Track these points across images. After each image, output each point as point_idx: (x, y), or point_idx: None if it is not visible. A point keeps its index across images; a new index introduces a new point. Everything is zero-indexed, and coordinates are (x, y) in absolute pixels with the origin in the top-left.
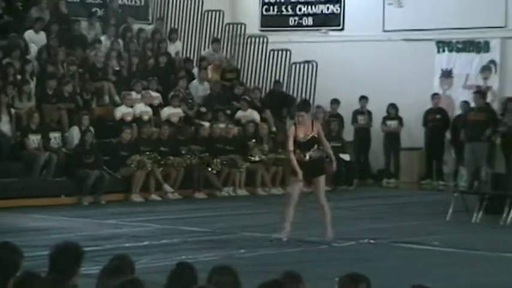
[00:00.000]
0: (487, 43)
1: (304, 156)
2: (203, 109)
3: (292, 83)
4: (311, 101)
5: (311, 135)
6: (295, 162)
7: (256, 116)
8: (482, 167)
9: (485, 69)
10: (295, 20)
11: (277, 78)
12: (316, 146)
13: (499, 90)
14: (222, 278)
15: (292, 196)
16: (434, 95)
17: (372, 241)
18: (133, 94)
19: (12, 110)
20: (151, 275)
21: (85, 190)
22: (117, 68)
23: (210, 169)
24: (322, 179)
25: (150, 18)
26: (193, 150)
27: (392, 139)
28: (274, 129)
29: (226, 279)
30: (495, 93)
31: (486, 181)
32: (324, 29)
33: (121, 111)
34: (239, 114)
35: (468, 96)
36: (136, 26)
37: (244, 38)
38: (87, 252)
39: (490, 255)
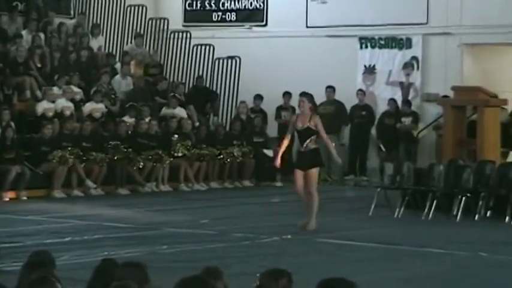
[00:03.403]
0: (409, 40)
1: (302, 146)
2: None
3: (215, 79)
4: (234, 97)
5: (306, 125)
6: (282, 149)
7: (183, 113)
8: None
9: (408, 66)
10: (218, 16)
11: (200, 73)
12: (313, 137)
13: (421, 86)
14: (131, 274)
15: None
16: (359, 91)
17: (295, 237)
18: (55, 89)
19: None
20: (73, 271)
21: (5, 186)
22: (38, 65)
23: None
24: (315, 170)
25: (72, 12)
26: (118, 149)
27: None
28: (197, 124)
29: (136, 274)
30: (417, 89)
31: (408, 176)
32: (247, 24)
33: (42, 106)
34: (165, 111)
35: (391, 92)
36: (57, 21)
37: (167, 33)
38: (7, 249)
39: (410, 249)
